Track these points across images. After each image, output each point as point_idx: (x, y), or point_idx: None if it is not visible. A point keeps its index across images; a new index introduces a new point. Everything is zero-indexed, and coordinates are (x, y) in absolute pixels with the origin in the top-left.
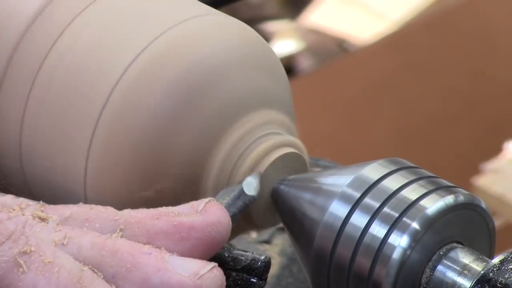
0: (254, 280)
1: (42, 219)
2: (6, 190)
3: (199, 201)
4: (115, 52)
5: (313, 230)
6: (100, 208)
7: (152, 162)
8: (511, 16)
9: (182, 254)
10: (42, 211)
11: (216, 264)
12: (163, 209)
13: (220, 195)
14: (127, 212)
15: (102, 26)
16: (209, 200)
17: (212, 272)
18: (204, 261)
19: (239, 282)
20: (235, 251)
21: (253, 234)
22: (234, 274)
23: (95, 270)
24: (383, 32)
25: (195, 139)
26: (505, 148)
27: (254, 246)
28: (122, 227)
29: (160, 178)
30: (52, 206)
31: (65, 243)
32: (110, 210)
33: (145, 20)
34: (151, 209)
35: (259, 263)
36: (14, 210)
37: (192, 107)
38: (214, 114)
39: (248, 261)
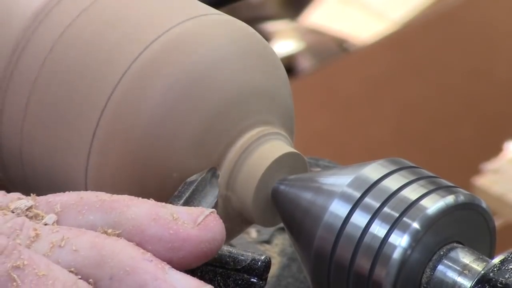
0: (254, 280)
1: (38, 217)
2: (7, 189)
3: (200, 210)
4: (116, 53)
5: (313, 230)
6: (91, 196)
7: (153, 162)
8: (511, 16)
9: (170, 261)
10: (36, 206)
11: (212, 287)
12: (163, 210)
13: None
14: (123, 203)
15: (102, 27)
16: (210, 213)
17: None
18: (202, 282)
19: (239, 282)
20: (235, 251)
21: (254, 234)
22: (234, 274)
23: (90, 281)
24: (383, 32)
25: (195, 139)
26: (505, 148)
27: (254, 246)
28: (116, 220)
29: (161, 178)
30: (43, 198)
31: (62, 245)
32: (103, 198)
33: (145, 21)
34: (152, 202)
35: (259, 263)
36: (7, 209)
37: (191, 107)
38: (213, 114)
39: (248, 261)
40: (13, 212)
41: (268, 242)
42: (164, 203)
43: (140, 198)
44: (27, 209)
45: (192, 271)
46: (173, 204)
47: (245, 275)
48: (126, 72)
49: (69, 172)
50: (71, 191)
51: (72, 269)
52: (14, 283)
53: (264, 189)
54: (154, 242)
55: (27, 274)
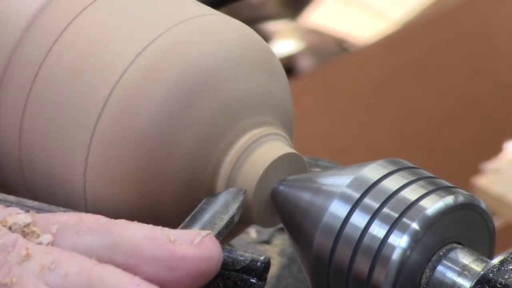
0: (254, 281)
1: (34, 235)
2: (6, 192)
3: (197, 232)
4: (114, 53)
5: (313, 231)
6: (91, 219)
7: (151, 165)
8: (510, 16)
9: (168, 281)
10: (34, 223)
11: None
12: (159, 232)
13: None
14: (121, 226)
15: (102, 27)
16: (207, 234)
17: None
18: None
19: (239, 282)
20: (235, 252)
21: (253, 234)
22: (233, 274)
23: None
24: (383, 32)
25: (195, 140)
26: (505, 148)
27: (254, 246)
28: (113, 243)
29: (160, 180)
30: (42, 215)
31: (52, 268)
32: (102, 221)
33: (144, 21)
34: (149, 225)
35: (258, 263)
36: (3, 223)
37: (191, 108)
38: (213, 115)
39: (247, 262)
40: (10, 228)
41: (267, 242)
42: (161, 226)
43: (137, 222)
44: (24, 226)
45: None
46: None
47: (245, 276)
48: (124, 73)
49: (67, 175)
50: (72, 212)
51: None
52: None
53: (263, 190)
54: (151, 262)
55: None
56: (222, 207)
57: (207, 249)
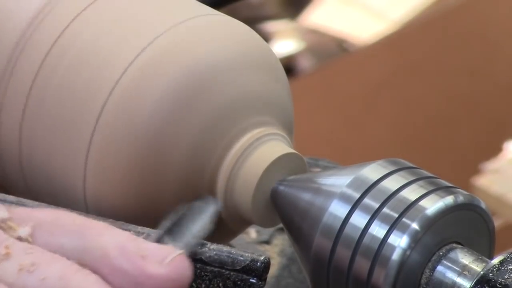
0: (254, 281)
1: (11, 231)
2: (7, 192)
3: (169, 250)
4: (114, 54)
5: (313, 231)
6: (68, 219)
7: (151, 163)
8: (510, 17)
9: None
10: (10, 219)
11: None
12: (132, 244)
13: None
14: (96, 231)
15: (101, 28)
16: (178, 254)
17: None
18: None
19: (239, 282)
20: (235, 252)
21: (253, 234)
22: (233, 274)
23: None
24: (383, 32)
25: (194, 139)
26: (505, 148)
27: (253, 246)
28: (85, 247)
29: (159, 179)
30: (19, 210)
31: (31, 270)
32: (78, 223)
33: (144, 21)
34: (126, 234)
35: (258, 263)
36: None
37: (191, 108)
38: (213, 115)
39: (247, 262)
40: None
41: (267, 242)
42: (137, 237)
43: (116, 229)
44: (1, 221)
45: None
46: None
47: (244, 276)
48: (123, 74)
49: (67, 173)
50: (49, 208)
51: None
52: None
53: (263, 190)
54: (119, 275)
55: None
56: (195, 218)
57: (177, 269)
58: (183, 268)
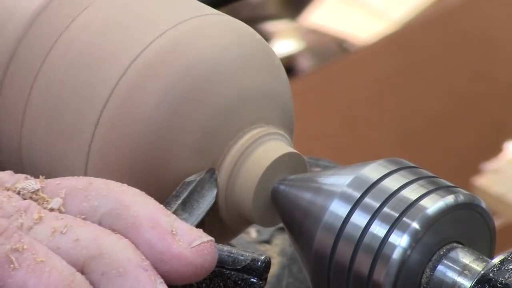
0: (254, 280)
1: (43, 202)
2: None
3: (199, 234)
4: (115, 53)
5: (313, 230)
6: (100, 183)
7: (152, 163)
8: (510, 17)
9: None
10: (43, 188)
11: None
12: (164, 219)
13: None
14: (131, 198)
15: (102, 27)
16: (208, 241)
17: None
18: None
19: (239, 282)
20: (235, 251)
21: (253, 234)
22: (234, 274)
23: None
24: (383, 32)
25: (195, 139)
26: (505, 148)
27: (254, 246)
28: (118, 212)
29: (160, 179)
30: (51, 181)
31: (64, 232)
32: (112, 187)
33: (144, 21)
34: (158, 205)
35: (259, 263)
36: (12, 191)
37: (191, 109)
38: (213, 114)
39: (248, 261)
40: (19, 193)
41: (268, 242)
42: (170, 212)
43: (148, 197)
44: (33, 192)
45: None
46: (170, 203)
47: (245, 275)
48: (124, 73)
49: (68, 174)
50: (81, 176)
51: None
52: (12, 265)
53: (264, 189)
54: (146, 247)
55: (26, 258)
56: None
57: (202, 255)
58: (209, 255)
